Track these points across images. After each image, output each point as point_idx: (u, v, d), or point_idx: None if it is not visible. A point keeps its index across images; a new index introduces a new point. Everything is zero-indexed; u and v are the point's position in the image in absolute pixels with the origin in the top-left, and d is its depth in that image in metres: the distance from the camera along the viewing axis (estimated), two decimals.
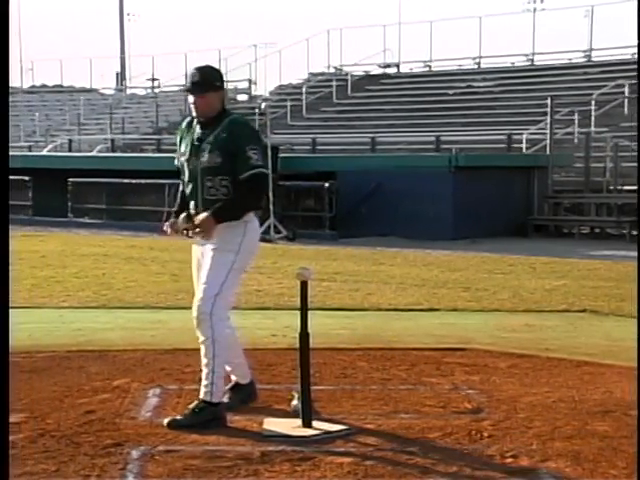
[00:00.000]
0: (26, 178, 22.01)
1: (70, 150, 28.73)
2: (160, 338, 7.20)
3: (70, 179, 21.29)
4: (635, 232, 16.92)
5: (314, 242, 16.18)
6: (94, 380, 5.70)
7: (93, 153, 27.47)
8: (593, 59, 27.77)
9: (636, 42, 26.80)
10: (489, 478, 4.06)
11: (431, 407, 5.12)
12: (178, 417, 4.76)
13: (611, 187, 18.63)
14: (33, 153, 28.20)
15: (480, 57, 29.40)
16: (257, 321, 8.11)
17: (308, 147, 23.68)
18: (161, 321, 8.06)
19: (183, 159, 4.97)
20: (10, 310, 8.80)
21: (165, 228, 5.06)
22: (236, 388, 5.13)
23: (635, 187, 18.10)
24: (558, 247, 15.53)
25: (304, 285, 4.75)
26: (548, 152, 19.08)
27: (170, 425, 4.68)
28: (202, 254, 4.98)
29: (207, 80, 4.87)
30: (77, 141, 30.29)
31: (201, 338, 4.86)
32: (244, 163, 4.81)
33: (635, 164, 18.20)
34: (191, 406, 4.81)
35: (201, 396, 4.81)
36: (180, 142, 5.05)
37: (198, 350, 6.56)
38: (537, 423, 4.81)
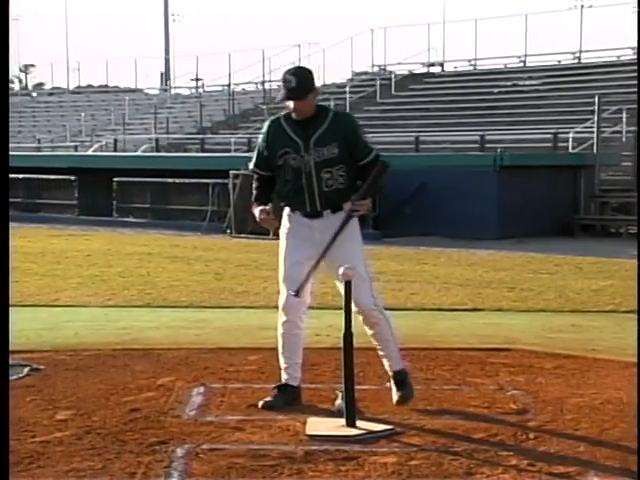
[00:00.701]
0: (72, 178, 22.27)
1: (115, 150, 29.02)
2: (204, 337, 7.23)
3: (115, 178, 21.48)
4: None
5: None
6: (139, 378, 5.74)
7: (138, 153, 27.70)
8: None
9: None
10: None
11: (476, 408, 5.08)
12: (403, 392, 5.06)
13: None
14: (79, 153, 28.52)
15: (526, 55, 29.13)
16: None
17: None
18: (205, 320, 8.09)
19: (286, 158, 4.99)
20: (56, 309, 8.90)
21: (262, 217, 5.07)
22: (283, 388, 5.14)
23: None
24: (605, 247, 15.34)
25: (348, 284, 4.73)
26: (595, 151, 18.87)
27: (401, 401, 5.03)
28: (316, 242, 5.01)
29: (305, 84, 4.95)
30: (122, 141, 30.57)
31: (375, 326, 5.09)
32: (364, 147, 5.07)
33: None
34: (399, 380, 5.12)
35: (399, 367, 5.15)
36: (272, 144, 5.04)
37: (241, 349, 6.63)
38: (584, 425, 4.75)
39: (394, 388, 5.13)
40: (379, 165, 5.04)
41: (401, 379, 5.14)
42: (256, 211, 5.12)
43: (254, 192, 5.19)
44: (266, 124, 5.12)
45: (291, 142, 4.98)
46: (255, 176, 5.21)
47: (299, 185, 5.00)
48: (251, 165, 5.20)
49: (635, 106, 21.06)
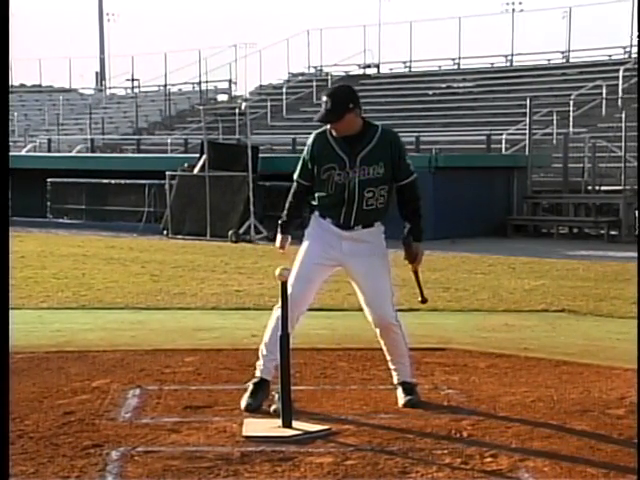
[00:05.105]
0: None
1: (49, 150, 28.61)
2: (140, 339, 7.18)
3: (49, 179, 21.20)
4: (613, 232, 17.04)
5: (295, 242, 16.14)
6: (73, 381, 5.68)
7: (72, 153, 27.35)
8: (571, 60, 27.93)
9: (613, 44, 27.06)
10: (468, 478, 4.08)
11: (405, 407, 5.13)
12: (411, 397, 5.11)
13: (589, 187, 18.74)
14: (12, 153, 27.97)
15: (460, 58, 29.49)
16: (237, 321, 8.11)
17: (288, 147, 23.67)
18: (141, 322, 8.04)
19: (330, 173, 5.00)
20: None
21: (279, 247, 5.24)
22: (259, 384, 5.13)
23: (613, 188, 18.25)
24: (537, 247, 15.60)
25: (284, 285, 4.76)
26: (527, 152, 19.17)
27: (408, 404, 5.07)
28: (344, 259, 5.13)
29: (340, 106, 4.94)
30: (56, 141, 30.15)
31: (393, 340, 5.19)
32: (405, 169, 5.10)
33: (613, 165, 18.36)
34: (407, 388, 5.17)
35: (409, 379, 5.22)
36: (317, 158, 5.05)
37: (178, 351, 6.60)
38: (516, 422, 4.83)
39: (402, 393, 5.18)
40: (416, 199, 5.13)
41: (409, 387, 5.21)
42: (277, 239, 5.26)
43: (287, 208, 5.25)
44: (312, 137, 5.13)
45: (337, 158, 5.00)
46: (294, 185, 5.23)
47: (340, 200, 5.03)
48: (295, 176, 5.22)
49: (565, 109, 21.50)
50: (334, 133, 5.01)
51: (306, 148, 5.15)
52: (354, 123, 4.99)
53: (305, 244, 5.18)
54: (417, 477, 4.06)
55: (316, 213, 5.16)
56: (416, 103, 26.71)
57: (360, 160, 4.99)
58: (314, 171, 5.08)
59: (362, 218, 5.05)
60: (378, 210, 5.07)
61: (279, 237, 5.27)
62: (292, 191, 5.26)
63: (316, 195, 5.12)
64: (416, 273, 5.40)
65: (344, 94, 5.06)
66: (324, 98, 5.00)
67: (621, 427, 4.73)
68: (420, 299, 5.48)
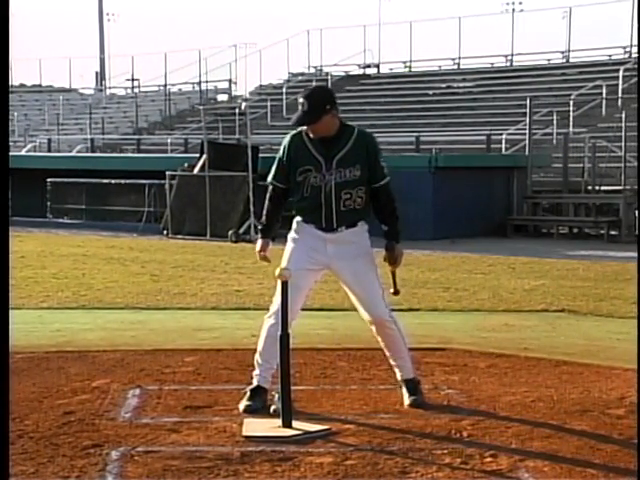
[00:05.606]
0: None
1: (49, 150, 28.63)
2: (140, 339, 7.18)
3: (49, 179, 21.21)
4: (613, 232, 17.05)
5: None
6: (73, 381, 5.69)
7: (72, 153, 27.36)
8: (571, 60, 27.94)
9: (613, 44, 27.07)
10: (468, 478, 4.08)
11: (411, 407, 5.13)
12: (415, 397, 5.10)
13: (589, 187, 18.74)
14: (12, 153, 27.97)
15: (460, 58, 29.49)
16: (237, 321, 8.11)
17: None
18: (141, 321, 8.04)
19: (306, 175, 4.96)
20: None
21: (259, 251, 5.20)
22: (256, 391, 5.07)
23: (613, 188, 18.26)
24: (537, 247, 15.60)
25: (284, 285, 4.76)
26: (527, 152, 19.17)
27: (413, 405, 5.07)
28: (330, 262, 5.10)
29: (317, 107, 4.91)
30: (56, 141, 30.16)
31: (389, 336, 5.16)
32: (380, 171, 5.07)
33: (613, 165, 18.37)
34: (410, 387, 5.16)
35: (411, 376, 5.21)
36: (293, 160, 5.01)
37: (178, 351, 6.60)
38: (516, 422, 4.83)
39: (406, 393, 5.18)
40: (391, 201, 5.14)
41: (413, 386, 5.20)
42: (258, 244, 5.23)
43: (265, 214, 5.23)
44: (287, 139, 5.08)
45: (313, 160, 4.96)
46: (270, 188, 5.19)
47: (317, 203, 4.99)
48: (269, 178, 5.19)
49: (565, 109, 21.50)
50: (310, 134, 4.98)
51: (281, 149, 5.09)
52: (331, 125, 4.97)
53: (289, 250, 5.12)
54: (417, 477, 4.07)
55: (298, 218, 5.12)
56: (416, 103, 26.70)
57: (336, 162, 4.96)
58: (289, 174, 5.04)
59: (343, 219, 5.03)
60: (357, 211, 5.05)
61: (259, 242, 5.24)
62: (268, 195, 5.22)
63: (293, 199, 5.08)
64: (394, 272, 5.37)
65: (321, 96, 5.04)
66: (300, 100, 4.97)
67: (621, 427, 4.74)
68: (392, 291, 5.39)
